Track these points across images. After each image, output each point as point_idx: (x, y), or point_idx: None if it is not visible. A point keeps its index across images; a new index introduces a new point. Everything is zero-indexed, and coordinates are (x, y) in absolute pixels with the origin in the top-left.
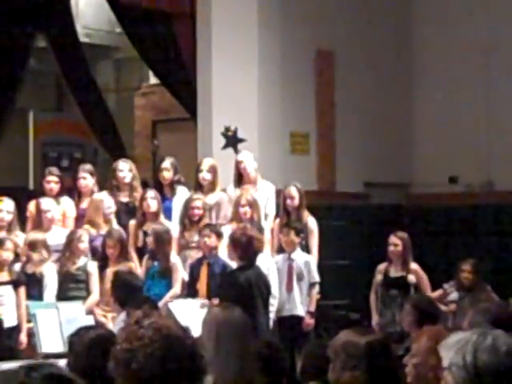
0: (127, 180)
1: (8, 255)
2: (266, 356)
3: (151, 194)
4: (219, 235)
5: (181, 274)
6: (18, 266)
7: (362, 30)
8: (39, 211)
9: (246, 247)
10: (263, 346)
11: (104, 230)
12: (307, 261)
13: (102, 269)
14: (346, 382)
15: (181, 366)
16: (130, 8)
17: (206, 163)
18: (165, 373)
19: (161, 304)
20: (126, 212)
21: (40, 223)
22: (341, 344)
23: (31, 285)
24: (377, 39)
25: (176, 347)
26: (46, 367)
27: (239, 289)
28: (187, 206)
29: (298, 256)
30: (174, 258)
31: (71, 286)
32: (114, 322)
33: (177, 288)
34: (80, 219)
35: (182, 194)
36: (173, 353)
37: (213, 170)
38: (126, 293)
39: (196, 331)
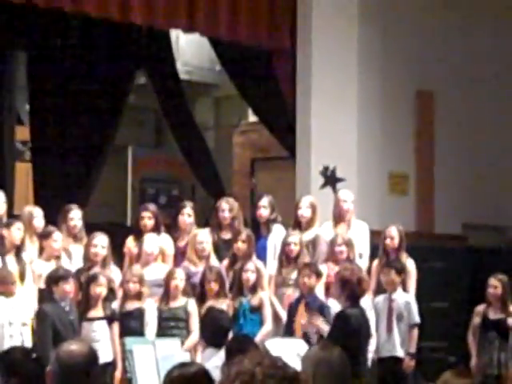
0: (227, 220)
1: (101, 290)
2: None
3: (242, 236)
4: (319, 275)
5: (270, 310)
6: (115, 304)
7: (461, 70)
8: (138, 247)
9: (355, 288)
10: None
11: (201, 266)
12: (408, 301)
13: (201, 305)
14: None
15: None
16: (230, 46)
17: (305, 200)
18: None
19: (256, 341)
20: (227, 249)
21: (137, 259)
22: None
23: (132, 321)
24: (477, 78)
25: None
26: None
27: (350, 330)
28: (284, 243)
29: (399, 296)
30: (263, 294)
31: (171, 325)
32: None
33: (268, 324)
34: (178, 256)
35: (277, 232)
36: None
37: (312, 207)
38: (213, 331)
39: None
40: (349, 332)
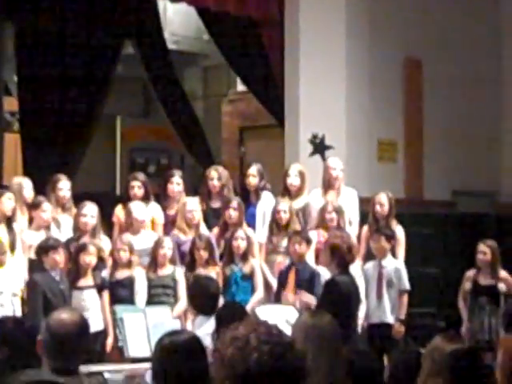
0: (216, 188)
1: (90, 259)
2: (356, 364)
3: (233, 204)
4: (309, 242)
5: (261, 278)
6: (105, 273)
7: (450, 37)
8: (126, 215)
9: (345, 255)
10: (354, 354)
11: (191, 235)
12: (398, 268)
13: (191, 273)
14: None
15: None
16: (218, 15)
17: (294, 168)
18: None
19: (248, 309)
20: (215, 217)
21: (126, 227)
22: (429, 349)
23: (122, 289)
24: (465, 46)
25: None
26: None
27: (340, 297)
28: (274, 211)
29: (389, 263)
30: (255, 261)
31: (160, 292)
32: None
33: (260, 292)
34: (168, 225)
35: (266, 199)
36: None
37: (301, 176)
38: (201, 298)
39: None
40: (339, 299)
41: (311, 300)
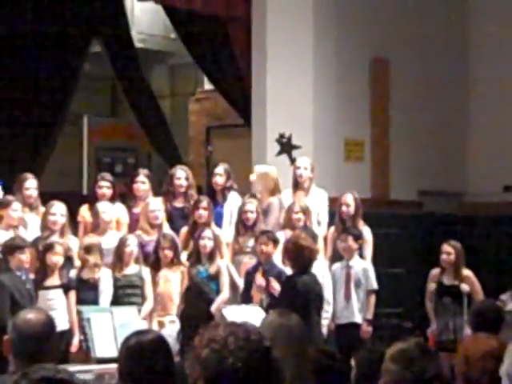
0: (183, 188)
1: (57, 259)
2: (321, 363)
3: (204, 203)
4: (276, 242)
5: (228, 278)
6: (73, 273)
7: (417, 38)
8: (92, 215)
9: (296, 256)
10: (318, 354)
11: (154, 235)
12: (365, 268)
13: (155, 273)
14: None
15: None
16: (185, 13)
17: (255, 170)
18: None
19: (213, 309)
20: (180, 217)
21: (93, 228)
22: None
23: (87, 290)
24: (432, 47)
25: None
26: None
27: (296, 294)
28: (241, 211)
29: (356, 263)
30: (221, 262)
31: (129, 292)
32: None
33: (226, 292)
34: (134, 224)
35: (233, 199)
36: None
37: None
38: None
39: None
40: (294, 297)
41: (278, 288)
